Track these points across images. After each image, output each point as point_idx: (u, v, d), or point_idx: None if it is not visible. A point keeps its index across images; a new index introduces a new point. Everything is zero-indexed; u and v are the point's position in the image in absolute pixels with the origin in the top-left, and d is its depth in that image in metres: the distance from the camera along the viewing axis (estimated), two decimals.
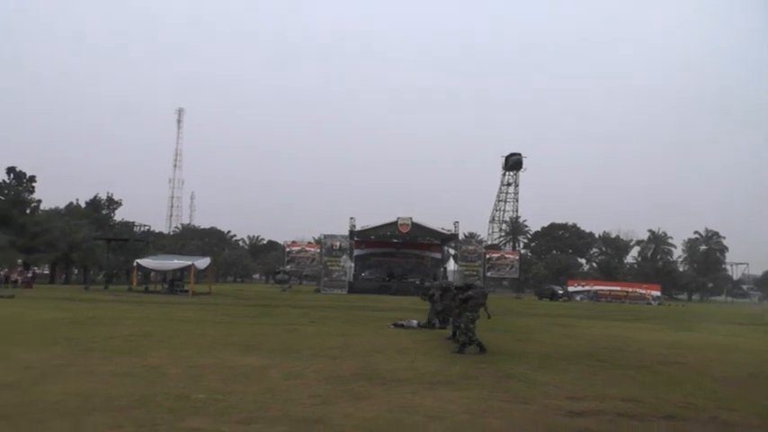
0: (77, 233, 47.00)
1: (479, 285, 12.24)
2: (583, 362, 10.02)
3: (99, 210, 60.62)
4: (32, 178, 49.83)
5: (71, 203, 60.04)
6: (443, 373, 8.09)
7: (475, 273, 50.93)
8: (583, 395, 6.92)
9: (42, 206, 52.04)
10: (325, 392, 6.53)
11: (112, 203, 62.04)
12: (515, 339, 13.61)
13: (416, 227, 51.06)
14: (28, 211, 48.83)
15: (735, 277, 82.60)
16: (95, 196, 61.51)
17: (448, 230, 52.40)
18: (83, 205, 60.28)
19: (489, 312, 9.98)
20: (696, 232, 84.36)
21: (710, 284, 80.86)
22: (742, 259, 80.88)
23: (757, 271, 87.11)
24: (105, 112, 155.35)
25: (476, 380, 7.73)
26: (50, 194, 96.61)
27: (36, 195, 50.41)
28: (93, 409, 5.41)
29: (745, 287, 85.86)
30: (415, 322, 15.56)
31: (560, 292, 52.62)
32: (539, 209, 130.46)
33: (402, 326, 15.27)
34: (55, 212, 54.22)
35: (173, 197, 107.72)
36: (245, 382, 6.94)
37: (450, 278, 52.60)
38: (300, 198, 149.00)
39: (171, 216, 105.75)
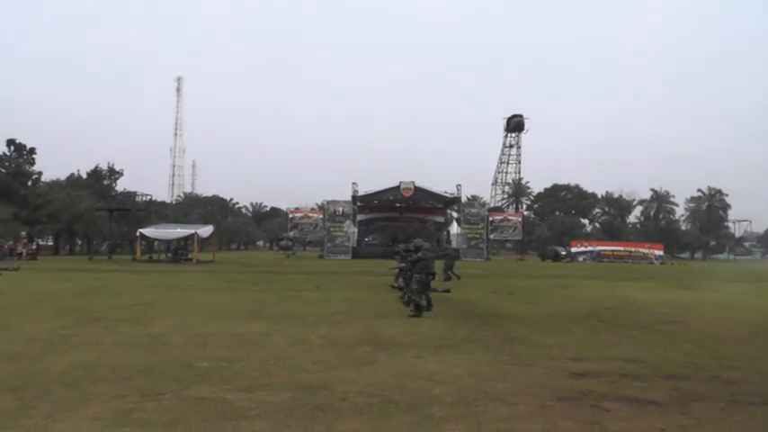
0: (79, 204, 46.96)
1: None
2: (586, 323, 10.07)
3: (100, 180, 60.37)
4: (33, 150, 49.52)
5: (72, 174, 59.83)
6: (447, 337, 8.12)
7: (478, 235, 51.04)
8: (586, 356, 6.95)
9: (43, 178, 51.97)
10: (329, 358, 6.56)
11: (114, 173, 61.72)
12: (519, 301, 13.68)
13: (419, 191, 50.89)
14: (29, 184, 48.73)
15: (737, 235, 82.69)
16: (96, 167, 61.23)
17: (451, 194, 52.27)
18: (84, 176, 60.08)
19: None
20: (699, 190, 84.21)
21: (713, 242, 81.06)
22: (745, 216, 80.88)
23: (760, 228, 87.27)
24: (105, 83, 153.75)
25: (480, 343, 7.76)
26: (51, 166, 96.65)
27: (36, 167, 50.30)
28: (97, 378, 5.45)
29: (747, 244, 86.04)
30: None
31: (563, 253, 52.78)
32: (542, 170, 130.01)
33: None
34: (56, 184, 54.10)
35: (174, 166, 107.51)
36: (249, 350, 6.97)
37: (454, 241, 52.86)
38: (303, 164, 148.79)
39: (173, 185, 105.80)
